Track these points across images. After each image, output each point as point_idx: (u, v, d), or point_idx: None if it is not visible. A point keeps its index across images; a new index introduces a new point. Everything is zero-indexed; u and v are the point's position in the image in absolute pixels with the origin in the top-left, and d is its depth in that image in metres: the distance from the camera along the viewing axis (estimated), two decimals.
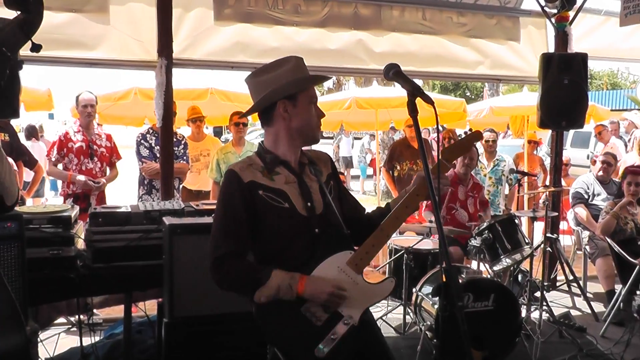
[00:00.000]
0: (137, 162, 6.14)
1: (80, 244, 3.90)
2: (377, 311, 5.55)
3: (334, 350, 2.22)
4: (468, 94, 25.97)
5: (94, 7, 5.16)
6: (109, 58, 5.27)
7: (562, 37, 6.39)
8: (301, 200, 2.38)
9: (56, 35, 5.09)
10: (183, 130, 7.58)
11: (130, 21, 5.27)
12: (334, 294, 2.26)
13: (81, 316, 4.10)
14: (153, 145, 6.05)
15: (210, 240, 2.37)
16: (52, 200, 10.31)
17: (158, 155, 5.85)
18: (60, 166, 5.77)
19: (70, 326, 4.91)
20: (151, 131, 6.16)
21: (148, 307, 4.38)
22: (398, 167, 7.24)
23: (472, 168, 5.97)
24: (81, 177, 5.57)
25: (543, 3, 6.38)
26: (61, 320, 4.79)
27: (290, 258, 2.34)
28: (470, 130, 10.09)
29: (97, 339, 4.32)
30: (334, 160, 2.80)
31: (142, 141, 6.10)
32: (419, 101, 2.18)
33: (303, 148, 2.54)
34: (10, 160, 5.82)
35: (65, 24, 5.13)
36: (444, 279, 2.04)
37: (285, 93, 2.34)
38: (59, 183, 5.94)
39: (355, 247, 2.42)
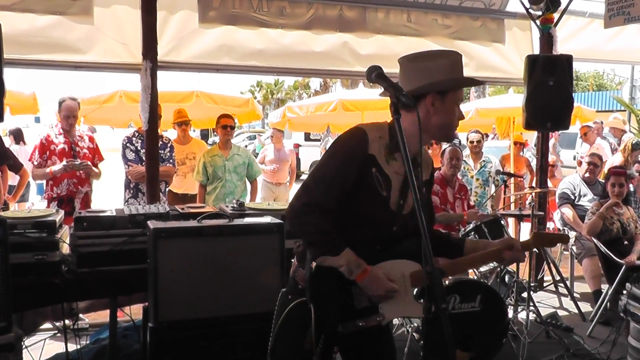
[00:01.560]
0: (123, 165, 6.09)
1: (65, 248, 3.87)
2: None
3: (352, 334, 2.30)
4: None
5: (78, 9, 5.15)
6: (93, 61, 5.25)
7: (547, 39, 6.44)
8: (398, 195, 2.37)
9: (40, 38, 5.09)
10: (169, 133, 7.56)
11: (114, 24, 5.26)
12: (385, 296, 2.30)
13: (66, 321, 4.07)
14: (139, 148, 5.99)
15: (307, 181, 2.34)
16: (37, 204, 10.21)
17: (144, 158, 5.82)
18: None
19: (55, 331, 4.87)
20: (137, 134, 6.11)
21: (134, 311, 4.35)
22: None
23: (459, 169, 5.99)
24: (58, 166, 5.45)
25: (528, 5, 6.42)
26: (46, 325, 4.74)
27: (359, 242, 2.32)
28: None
29: (83, 344, 4.30)
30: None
31: (127, 144, 6.04)
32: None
33: None
34: None
35: (49, 26, 5.12)
36: (428, 281, 2.03)
37: (439, 88, 2.32)
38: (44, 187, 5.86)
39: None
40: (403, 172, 2.34)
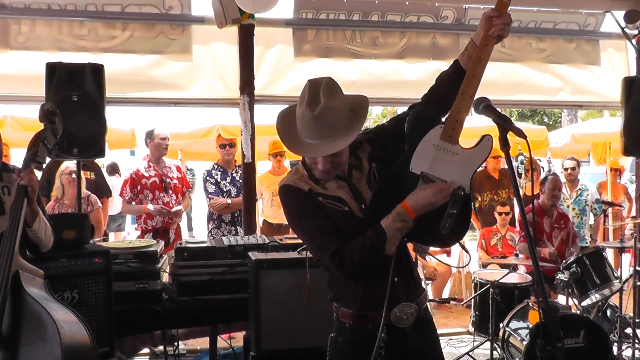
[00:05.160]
0: (204, 198, 6.22)
1: (166, 277, 4.01)
2: (463, 346, 5.45)
3: (454, 225, 2.26)
4: (546, 119, 25.33)
5: (178, 48, 5.38)
6: (192, 97, 5.45)
7: None
8: (355, 203, 2.36)
9: (141, 77, 5.34)
10: (262, 164, 7.72)
11: (212, 60, 5.45)
12: (439, 191, 2.25)
13: (166, 347, 4.19)
14: (219, 180, 6.12)
15: (311, 247, 2.43)
16: (133, 234, 10.63)
17: (224, 190, 6.01)
18: (133, 203, 5.79)
19: (152, 356, 5.01)
20: (216, 167, 6.23)
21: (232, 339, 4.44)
22: (479, 198, 7.16)
23: (559, 199, 5.83)
24: (152, 207, 5.59)
25: (623, 24, 6.19)
26: (145, 350, 4.87)
27: None
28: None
29: None
30: None
31: (208, 177, 6.16)
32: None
33: None
34: (95, 197, 6.07)
35: (149, 65, 5.37)
36: (542, 318, 1.98)
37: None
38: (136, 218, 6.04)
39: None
40: (343, 184, 2.37)
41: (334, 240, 2.29)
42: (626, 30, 6.22)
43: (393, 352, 2.35)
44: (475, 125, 7.82)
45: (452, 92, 2.33)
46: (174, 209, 5.70)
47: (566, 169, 7.40)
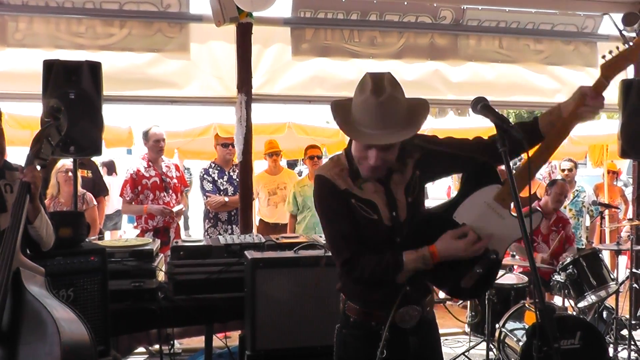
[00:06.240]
0: (201, 197, 6.22)
1: (162, 276, 4.00)
2: (459, 346, 5.45)
3: (475, 283, 2.29)
4: None
5: (175, 46, 5.35)
6: (190, 95, 5.43)
7: None
8: (387, 210, 2.36)
9: (138, 75, 5.31)
10: (259, 163, 7.71)
11: (210, 58, 5.43)
12: (470, 245, 2.25)
13: (162, 346, 4.18)
14: (216, 179, 6.12)
15: (330, 246, 2.45)
16: (130, 232, 10.61)
17: (221, 188, 6.00)
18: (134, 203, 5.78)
19: (148, 355, 4.99)
20: (213, 165, 6.24)
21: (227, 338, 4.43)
22: None
23: (562, 204, 5.85)
24: (154, 207, 5.60)
25: (621, 27, 6.19)
26: (140, 349, 4.85)
27: None
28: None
29: None
30: None
31: (205, 176, 6.17)
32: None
33: None
34: (90, 195, 6.05)
35: (146, 63, 5.33)
36: (539, 319, 1.99)
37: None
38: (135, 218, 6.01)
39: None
40: (381, 189, 2.36)
41: (352, 248, 2.32)
42: (624, 32, 6.21)
43: (394, 351, 2.37)
44: (473, 127, 7.84)
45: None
46: (175, 209, 5.71)
47: (563, 170, 7.41)
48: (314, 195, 2.45)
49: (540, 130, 2.35)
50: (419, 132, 2.33)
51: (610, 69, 2.28)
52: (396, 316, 2.35)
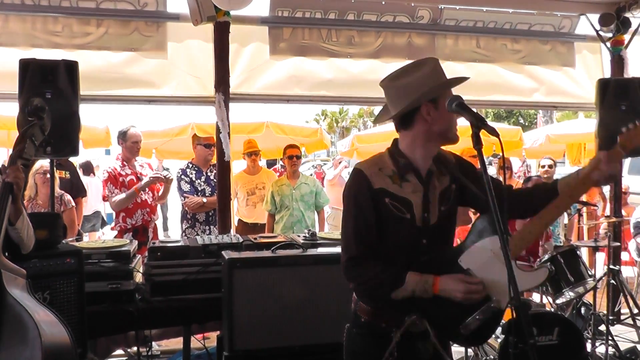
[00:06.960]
0: (179, 198, 6.12)
1: (139, 277, 3.96)
2: None
3: (475, 330, 2.30)
4: (522, 121, 25.56)
5: (153, 45, 5.31)
6: (167, 95, 5.40)
7: (618, 62, 6.28)
8: (421, 211, 2.38)
9: (115, 74, 5.26)
10: (238, 163, 7.66)
11: (187, 58, 5.40)
12: (468, 292, 2.26)
13: (139, 348, 4.14)
14: (193, 179, 6.02)
15: (342, 238, 2.43)
16: (108, 234, 10.52)
17: (199, 189, 5.92)
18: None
19: (126, 358, 4.95)
20: (191, 166, 6.13)
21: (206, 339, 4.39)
22: None
23: None
24: (142, 182, 5.50)
25: (598, 27, 6.26)
26: (119, 352, 4.82)
27: (394, 262, 2.35)
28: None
29: None
30: None
31: (182, 176, 6.05)
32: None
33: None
34: (68, 197, 5.97)
35: (123, 62, 5.29)
36: (514, 315, 2.00)
37: (431, 96, 2.33)
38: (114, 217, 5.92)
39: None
40: (420, 189, 2.38)
41: (361, 248, 2.34)
42: (601, 32, 6.29)
43: (403, 354, 2.37)
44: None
45: (537, 205, 2.40)
46: (163, 173, 5.65)
47: (543, 166, 7.47)
48: (347, 184, 2.46)
49: (557, 189, 2.41)
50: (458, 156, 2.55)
51: (628, 141, 2.34)
52: (407, 321, 2.34)
